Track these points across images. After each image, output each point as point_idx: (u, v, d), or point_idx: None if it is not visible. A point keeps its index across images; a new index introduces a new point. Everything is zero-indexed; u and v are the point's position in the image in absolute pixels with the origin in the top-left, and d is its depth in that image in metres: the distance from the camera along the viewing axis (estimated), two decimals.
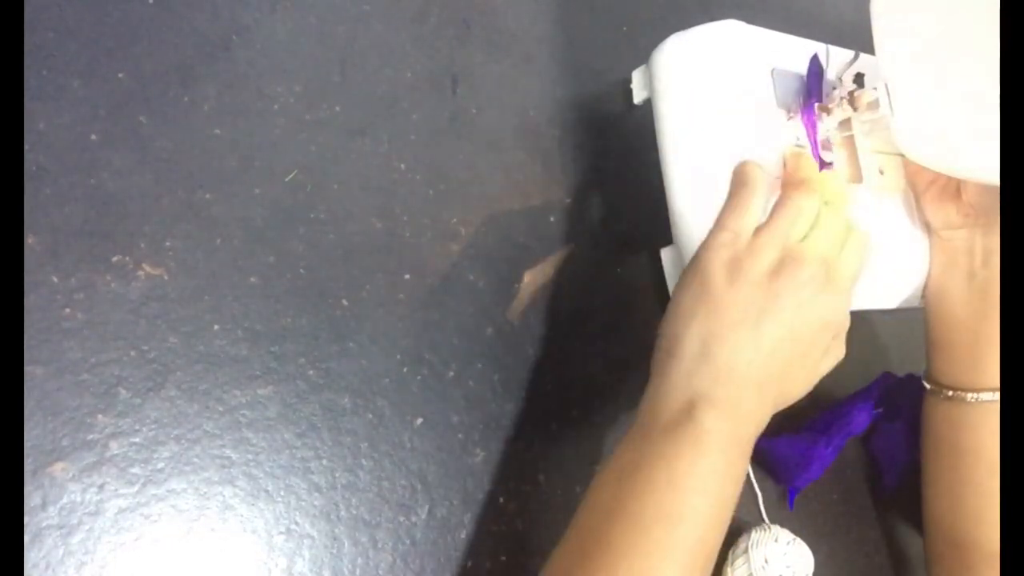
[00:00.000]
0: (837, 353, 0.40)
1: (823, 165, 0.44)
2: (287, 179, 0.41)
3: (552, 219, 0.49)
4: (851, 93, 0.44)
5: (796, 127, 0.44)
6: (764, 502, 0.49)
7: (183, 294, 0.38)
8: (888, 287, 0.47)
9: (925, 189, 0.46)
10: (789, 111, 0.45)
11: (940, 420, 0.47)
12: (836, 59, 0.47)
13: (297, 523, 0.38)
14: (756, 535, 0.46)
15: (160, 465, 0.35)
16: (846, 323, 0.41)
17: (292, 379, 0.39)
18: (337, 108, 0.44)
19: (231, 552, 0.36)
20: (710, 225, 0.39)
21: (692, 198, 0.43)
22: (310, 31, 0.44)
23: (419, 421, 0.42)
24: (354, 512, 0.39)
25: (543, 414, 0.45)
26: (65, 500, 0.33)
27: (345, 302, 0.41)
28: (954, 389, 0.45)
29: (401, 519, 0.40)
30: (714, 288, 0.36)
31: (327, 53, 0.44)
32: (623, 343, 0.48)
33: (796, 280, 0.36)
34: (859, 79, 0.45)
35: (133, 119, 0.39)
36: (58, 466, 0.34)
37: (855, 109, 0.44)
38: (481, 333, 0.44)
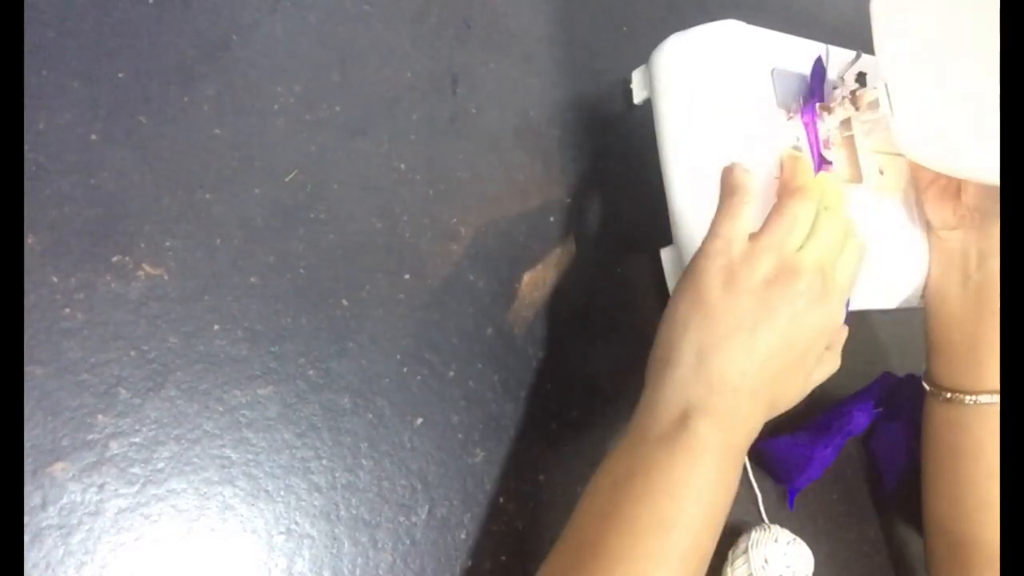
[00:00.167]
0: (832, 363, 0.40)
1: (824, 164, 0.44)
2: (287, 179, 0.41)
3: (552, 219, 0.49)
4: (853, 92, 0.44)
5: (796, 127, 0.44)
6: (764, 502, 0.49)
7: (183, 294, 0.38)
8: (888, 287, 0.47)
9: (926, 188, 0.47)
10: (789, 111, 0.45)
11: (939, 421, 0.47)
12: (836, 59, 0.47)
13: (297, 523, 0.38)
14: (756, 535, 0.46)
15: (160, 465, 0.35)
16: (843, 333, 0.41)
17: (292, 379, 0.39)
18: (337, 108, 0.44)
19: (231, 552, 0.36)
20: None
21: (692, 198, 0.43)
22: (310, 31, 0.44)
23: (419, 421, 0.42)
24: (354, 512, 0.39)
25: (543, 414, 0.45)
26: (65, 500, 0.33)
27: (345, 302, 0.41)
28: (953, 391, 0.45)
29: (401, 519, 0.40)
30: (709, 297, 0.36)
31: (327, 53, 0.44)
32: (623, 343, 0.48)
33: (792, 290, 0.36)
34: (861, 78, 0.45)
35: (133, 119, 0.39)
36: (58, 466, 0.34)
37: (857, 108, 0.44)
38: (481, 333, 0.44)
